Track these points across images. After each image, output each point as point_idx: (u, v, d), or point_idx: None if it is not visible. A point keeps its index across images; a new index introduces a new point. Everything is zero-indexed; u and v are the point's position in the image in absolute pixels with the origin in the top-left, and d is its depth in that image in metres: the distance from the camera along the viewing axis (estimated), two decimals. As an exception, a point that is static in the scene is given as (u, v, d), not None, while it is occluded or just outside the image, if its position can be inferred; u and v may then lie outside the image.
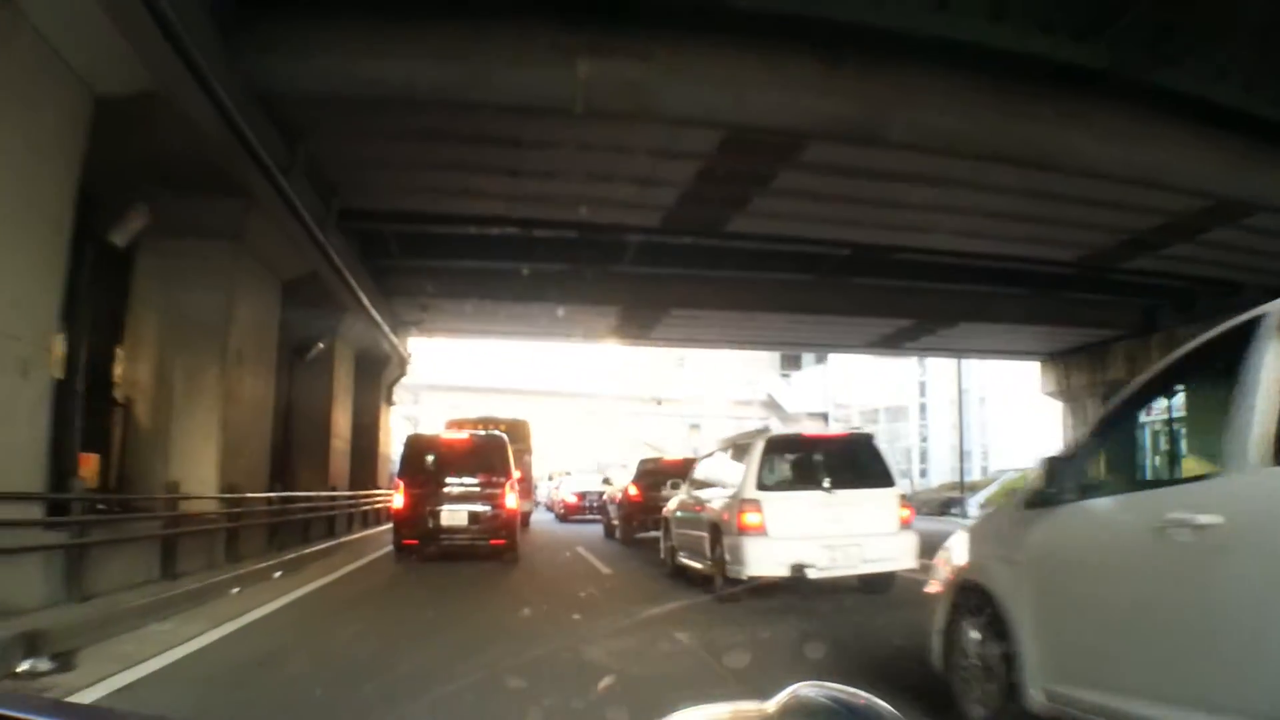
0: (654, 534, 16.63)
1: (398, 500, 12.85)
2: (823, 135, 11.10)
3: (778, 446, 8.60)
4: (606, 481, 21.41)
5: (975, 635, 4.09)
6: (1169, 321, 22.38)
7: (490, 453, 13.15)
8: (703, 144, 11.45)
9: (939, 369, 46.37)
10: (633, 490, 17.14)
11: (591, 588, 9.89)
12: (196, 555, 9.31)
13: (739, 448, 8.94)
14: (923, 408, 48.33)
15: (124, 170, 9.28)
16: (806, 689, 1.01)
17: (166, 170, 9.46)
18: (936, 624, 4.40)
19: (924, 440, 47.09)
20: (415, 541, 12.54)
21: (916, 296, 20.61)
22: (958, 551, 4.59)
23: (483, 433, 15.18)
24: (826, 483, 8.31)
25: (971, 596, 4.17)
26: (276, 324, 12.11)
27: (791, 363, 64.66)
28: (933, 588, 4.67)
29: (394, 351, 20.57)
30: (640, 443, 51.18)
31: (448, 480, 12.62)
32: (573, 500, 26.55)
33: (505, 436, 14.03)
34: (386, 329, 18.43)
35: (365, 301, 15.51)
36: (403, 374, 22.86)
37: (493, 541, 12.30)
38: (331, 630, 7.29)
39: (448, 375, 46.19)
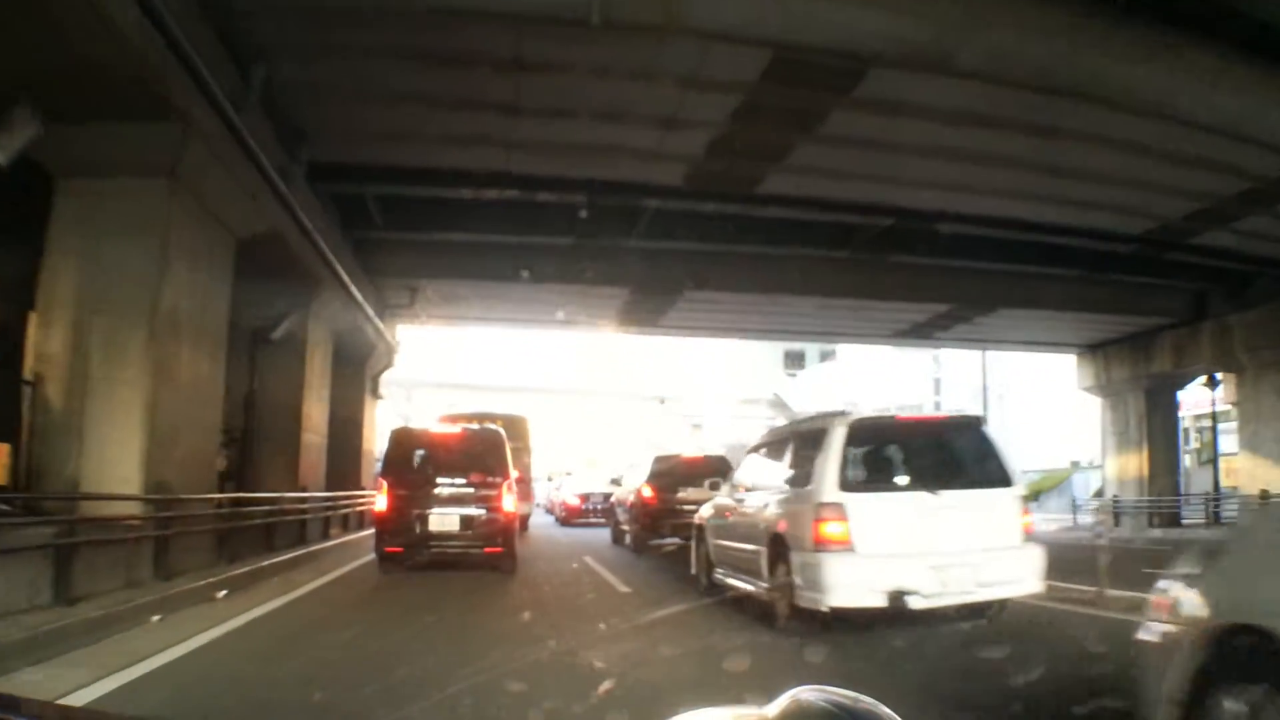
0: (670, 541, 14.96)
1: (380, 503, 11.28)
2: (886, 60, 9.16)
3: (864, 434, 6.48)
4: (615, 482, 19.40)
5: (1256, 711, 2.82)
6: (1220, 308, 20.78)
7: (485, 450, 11.59)
8: (743, 68, 9.46)
9: (955, 365, 44.53)
10: (647, 491, 15.24)
11: (611, 614, 7.86)
12: (110, 572, 7.30)
13: (807, 436, 6.90)
14: (937, 406, 46.38)
15: (25, 78, 7.32)
16: (807, 693, 0.97)
17: (83, 84, 7.48)
18: (1168, 689, 3.11)
19: (939, 440, 44.94)
20: (400, 549, 11.08)
21: (955, 278, 18.75)
22: (1200, 585, 3.28)
23: (477, 427, 13.35)
24: (929, 482, 6.31)
25: (1248, 652, 2.89)
26: (228, 290, 10.07)
27: (795, 361, 63.10)
28: (1151, 636, 3.33)
29: (379, 339, 18.56)
30: (643, 441, 49.22)
31: (438, 480, 11.20)
32: (575, 502, 24.52)
33: (502, 431, 12.25)
34: (370, 311, 16.44)
35: (343, 275, 13.52)
36: (390, 364, 20.81)
37: (487, 550, 10.90)
38: (266, 681, 5.29)
39: (442, 372, 44.51)
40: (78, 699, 4.62)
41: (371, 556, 11.95)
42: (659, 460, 16.25)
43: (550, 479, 32.22)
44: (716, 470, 16.22)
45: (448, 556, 10.91)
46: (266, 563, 10.36)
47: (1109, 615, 6.93)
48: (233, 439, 12.60)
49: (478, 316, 22.62)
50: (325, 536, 14.75)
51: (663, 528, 15.11)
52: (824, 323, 22.00)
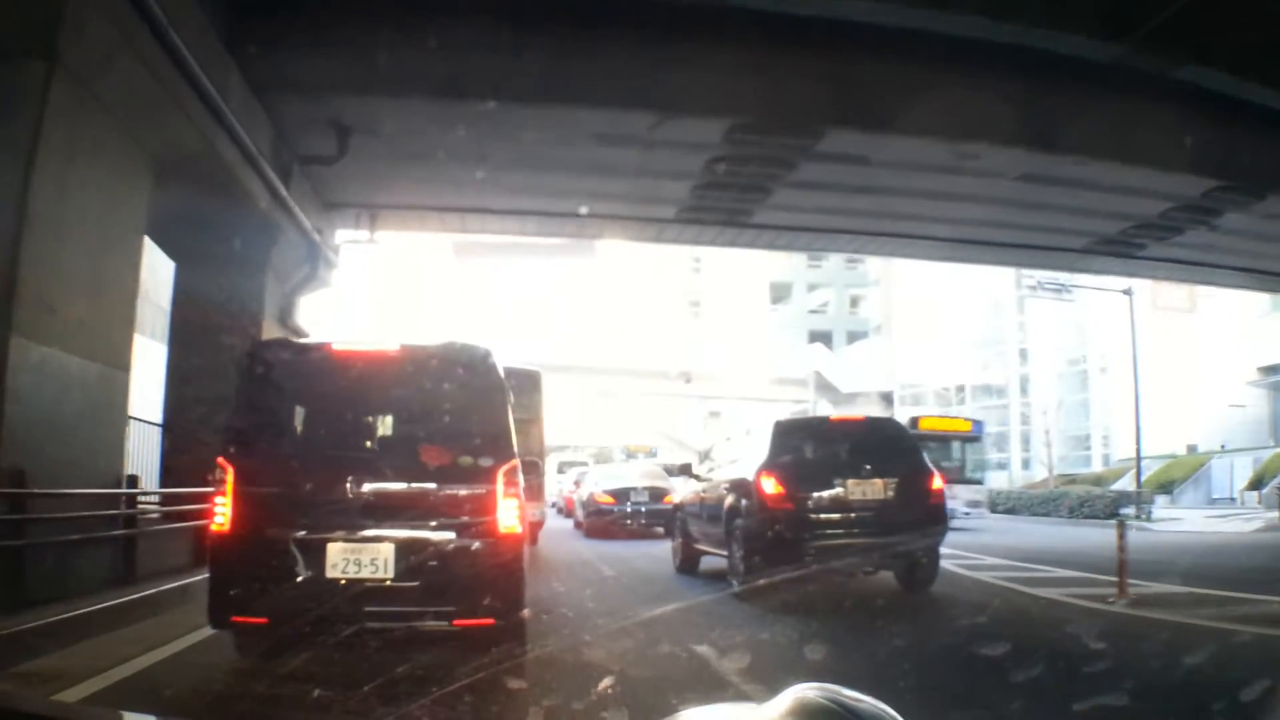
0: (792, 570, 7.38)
1: (219, 512, 4.75)
2: None
3: None
4: (683, 471, 11.57)
5: None
6: None
7: (459, 397, 5.04)
8: None
9: (1041, 332, 37.05)
10: (769, 485, 7.86)
11: None
12: None
13: None
14: (1024, 381, 38.95)
15: None
16: (808, 690, 0.96)
17: None
18: None
19: (1025, 423, 37.58)
20: (262, 619, 4.66)
21: (1241, 124, 11.25)
22: None
23: (440, 345, 5.36)
24: None
25: None
26: None
27: (821, 343, 56.29)
28: None
29: (285, 218, 10.62)
30: (659, 432, 42.29)
31: (351, 459, 4.92)
32: (606, 503, 16.63)
33: (495, 360, 5.12)
34: (246, 140, 8.64)
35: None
36: (316, 278, 12.61)
37: (458, 622, 4.66)
38: None
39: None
40: None
41: (206, 631, 5.15)
42: (783, 425, 8.67)
43: (561, 470, 24.69)
44: (893, 445, 8.59)
45: (376, 630, 4.73)
46: None
47: None
48: None
49: (450, 205, 14.03)
50: (129, 580, 7.01)
51: (801, 547, 7.61)
52: (1006, 215, 13.80)
